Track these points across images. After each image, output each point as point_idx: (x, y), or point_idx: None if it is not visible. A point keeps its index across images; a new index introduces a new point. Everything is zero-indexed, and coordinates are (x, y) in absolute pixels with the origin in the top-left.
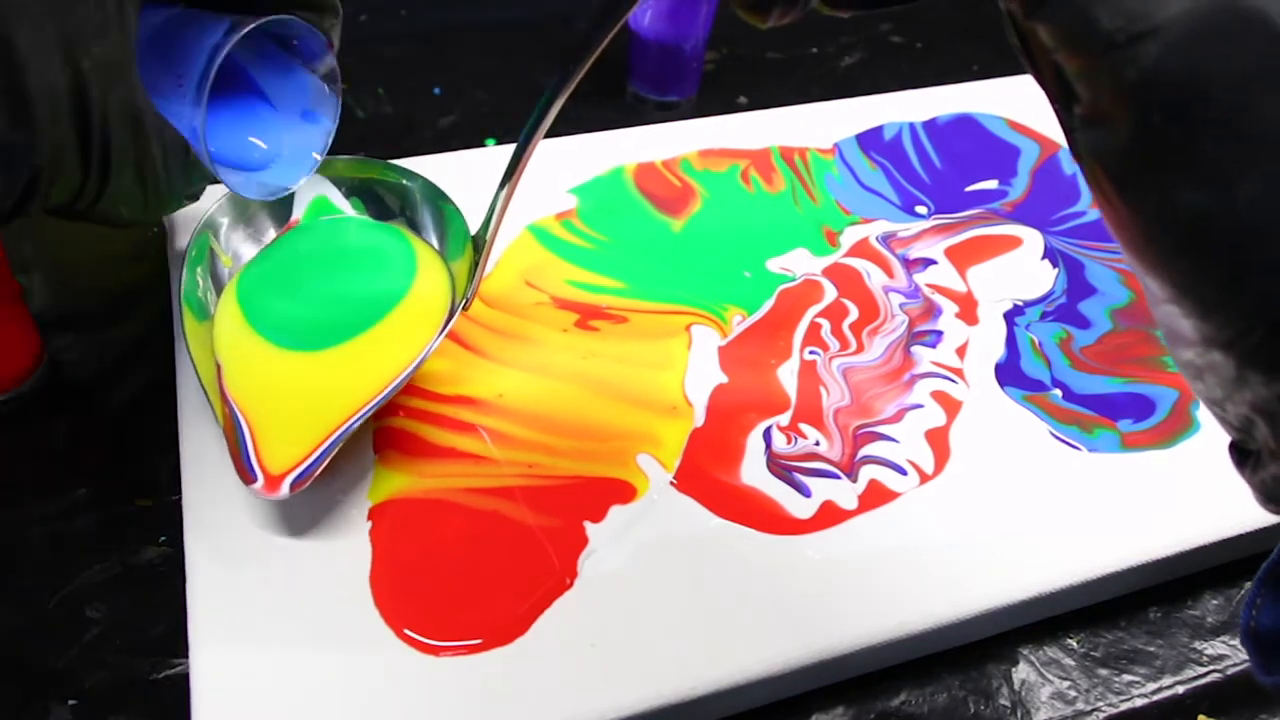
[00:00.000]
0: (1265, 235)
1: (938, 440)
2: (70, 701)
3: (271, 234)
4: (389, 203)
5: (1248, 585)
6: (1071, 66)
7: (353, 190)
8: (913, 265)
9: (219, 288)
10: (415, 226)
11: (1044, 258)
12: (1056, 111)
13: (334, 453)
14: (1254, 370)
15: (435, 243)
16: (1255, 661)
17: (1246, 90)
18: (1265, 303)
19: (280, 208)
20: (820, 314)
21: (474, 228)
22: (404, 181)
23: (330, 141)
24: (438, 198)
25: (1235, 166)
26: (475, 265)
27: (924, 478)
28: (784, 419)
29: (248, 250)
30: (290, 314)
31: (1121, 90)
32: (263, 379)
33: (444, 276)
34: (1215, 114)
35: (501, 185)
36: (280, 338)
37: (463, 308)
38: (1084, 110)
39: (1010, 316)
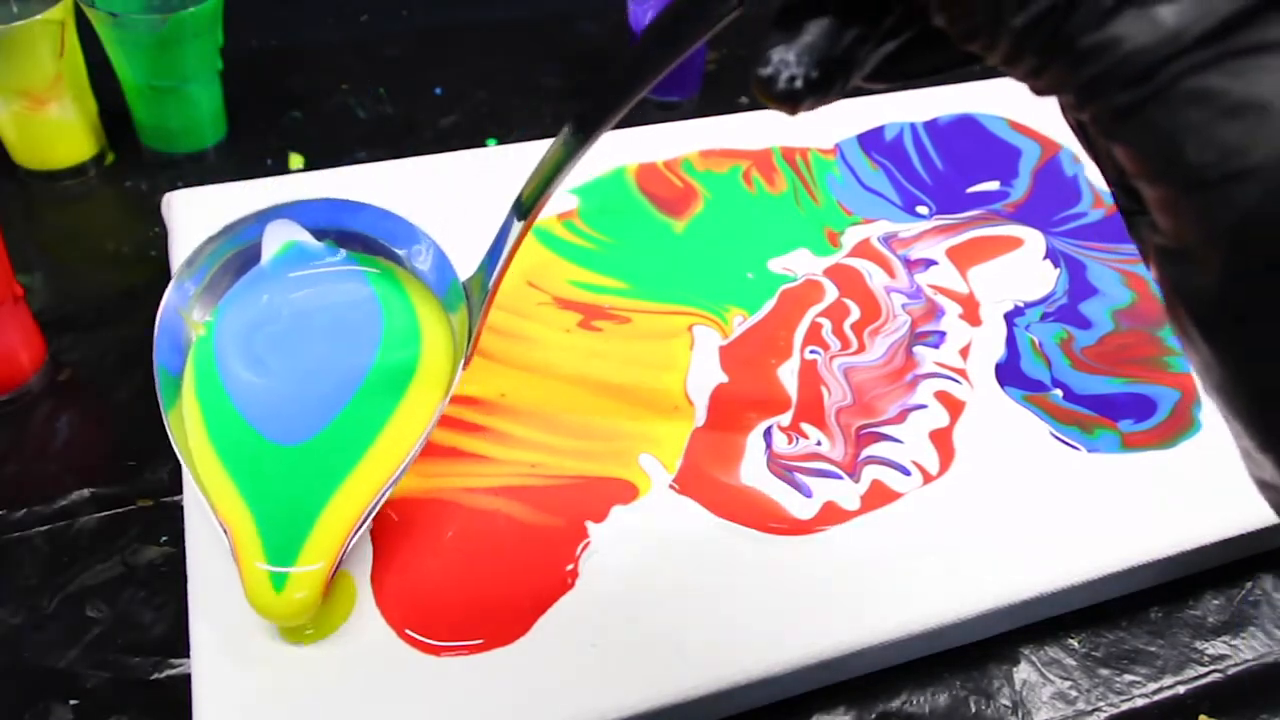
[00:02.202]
0: None
1: (941, 441)
2: (71, 701)
3: (235, 289)
4: (369, 243)
5: (1248, 585)
6: (1151, 194)
7: (324, 233)
8: (914, 266)
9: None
10: (400, 263)
11: (1045, 258)
12: (1120, 208)
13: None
14: None
15: (425, 278)
16: None
17: None
18: None
19: (246, 256)
20: (821, 314)
21: (466, 264)
22: (383, 223)
23: None
24: (419, 239)
25: None
26: (472, 314)
27: (927, 478)
28: (785, 419)
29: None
30: (264, 400)
31: (1213, 232)
32: (247, 474)
33: (443, 333)
34: None
35: (500, 240)
36: (243, 433)
37: (464, 365)
38: (1165, 241)
39: (1010, 317)
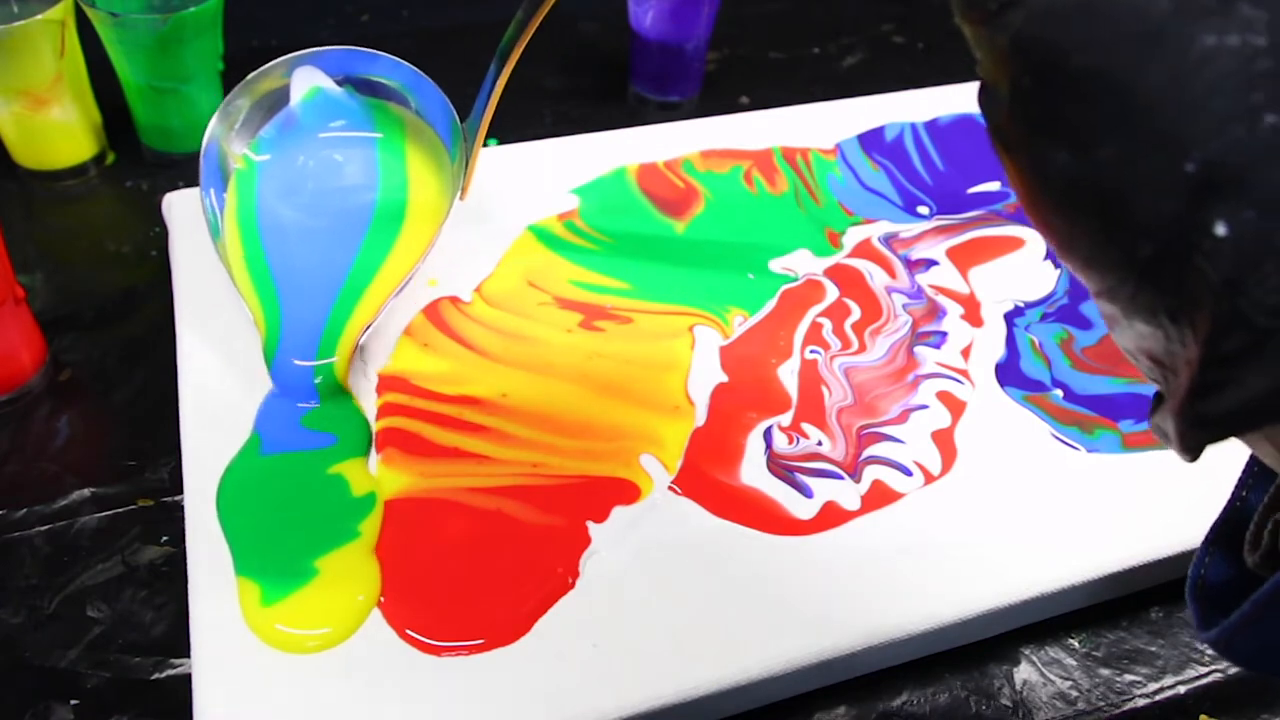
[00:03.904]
0: (1124, 194)
1: (943, 441)
2: (72, 701)
3: (269, 127)
4: (379, 89)
5: None
6: (966, 32)
7: (345, 80)
8: (915, 266)
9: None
10: (409, 107)
11: (1046, 259)
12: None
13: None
14: (1137, 319)
15: (432, 124)
16: (1196, 617)
17: (1102, 58)
18: (1130, 257)
19: (276, 97)
20: (822, 314)
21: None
22: (393, 76)
23: None
24: (427, 88)
25: (1094, 130)
26: (467, 154)
27: (929, 478)
28: (785, 419)
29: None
30: (286, 240)
31: (998, 55)
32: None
33: (437, 175)
34: (1075, 80)
35: (494, 75)
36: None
37: (460, 197)
38: (980, 72)
39: (1010, 317)
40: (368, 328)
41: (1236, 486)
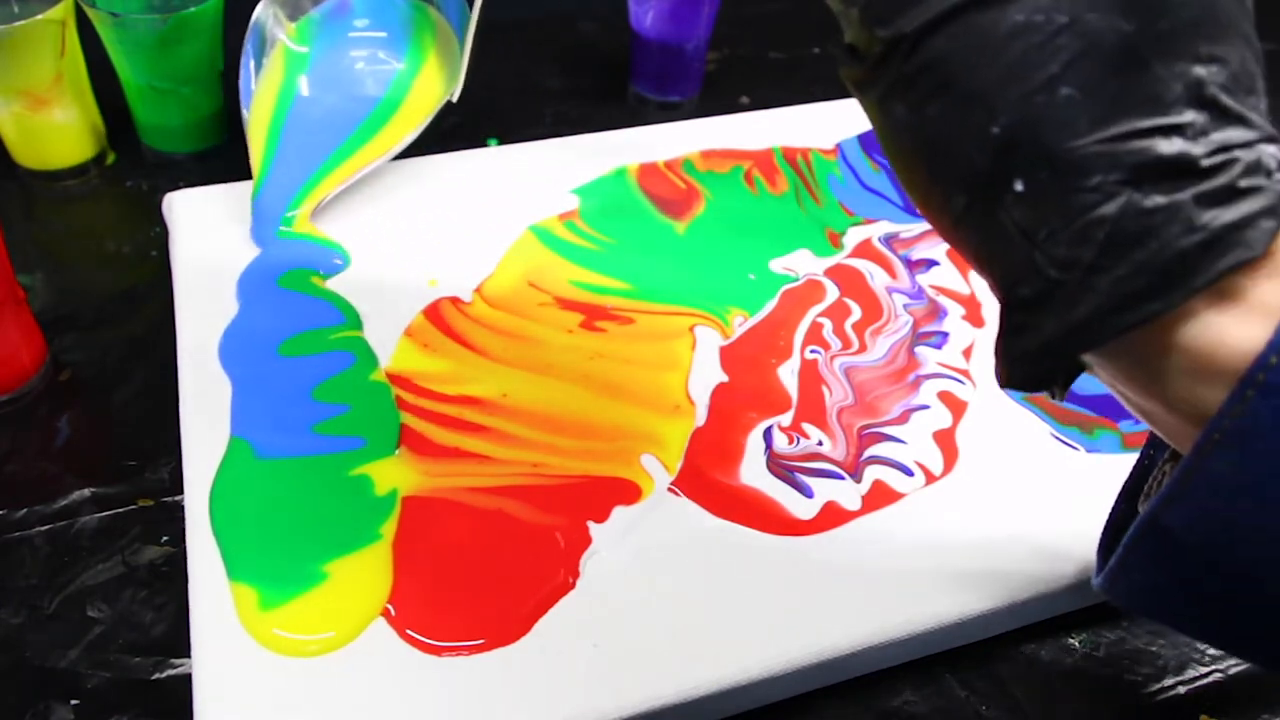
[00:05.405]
0: (946, 147)
1: (944, 441)
2: (72, 701)
3: (319, 11)
4: None
5: None
6: (831, 5)
7: None
8: (915, 266)
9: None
10: (436, 6)
11: None
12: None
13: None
14: (971, 265)
15: (456, 26)
16: (1097, 566)
17: (926, 29)
18: (949, 203)
19: None
20: (822, 313)
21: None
22: None
23: None
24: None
25: (924, 90)
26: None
27: (930, 478)
28: (785, 419)
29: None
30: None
31: (855, 25)
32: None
33: (443, 80)
34: (909, 48)
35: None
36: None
37: (453, 97)
38: (847, 39)
39: None
40: (330, 195)
41: (1145, 444)
